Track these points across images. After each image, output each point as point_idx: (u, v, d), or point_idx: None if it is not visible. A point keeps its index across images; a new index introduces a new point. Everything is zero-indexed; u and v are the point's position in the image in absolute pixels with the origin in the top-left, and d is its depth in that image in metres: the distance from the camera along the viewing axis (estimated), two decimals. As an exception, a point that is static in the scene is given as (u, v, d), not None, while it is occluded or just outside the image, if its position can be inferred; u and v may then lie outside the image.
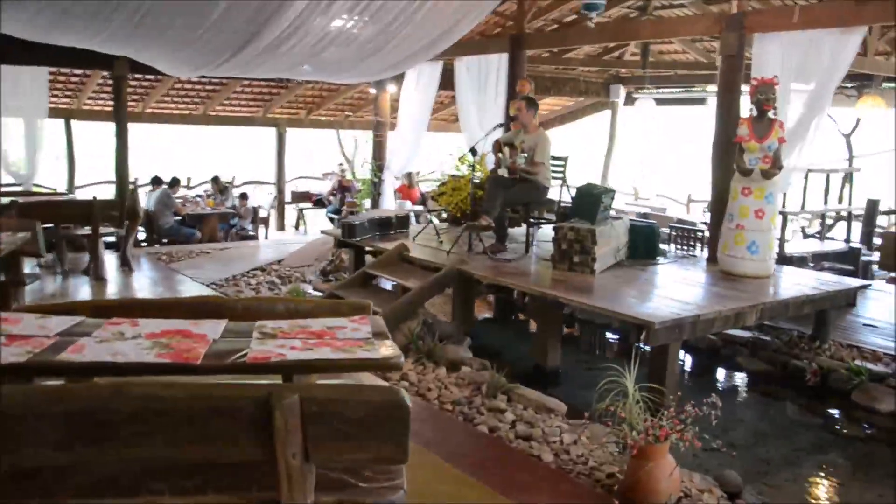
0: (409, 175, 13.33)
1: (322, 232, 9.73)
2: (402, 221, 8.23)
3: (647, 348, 5.25)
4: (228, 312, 3.47)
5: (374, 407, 2.34)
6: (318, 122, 15.37)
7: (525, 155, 6.87)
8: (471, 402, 4.91)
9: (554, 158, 7.36)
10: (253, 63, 8.51)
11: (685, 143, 17.37)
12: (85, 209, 8.15)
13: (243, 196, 12.22)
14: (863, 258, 7.97)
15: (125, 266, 8.71)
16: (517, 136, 7.24)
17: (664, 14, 10.10)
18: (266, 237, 12.61)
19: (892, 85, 9.81)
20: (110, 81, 10.82)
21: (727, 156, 7.01)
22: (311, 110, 14.74)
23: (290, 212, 15.11)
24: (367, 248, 8.04)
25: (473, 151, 7.09)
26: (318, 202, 14.93)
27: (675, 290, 5.93)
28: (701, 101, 13.81)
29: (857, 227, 8.74)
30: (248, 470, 2.49)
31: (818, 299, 6.01)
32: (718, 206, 7.09)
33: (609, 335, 7.68)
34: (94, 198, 8.20)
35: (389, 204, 11.87)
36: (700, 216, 11.75)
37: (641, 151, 14.32)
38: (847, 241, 8.47)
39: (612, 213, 6.87)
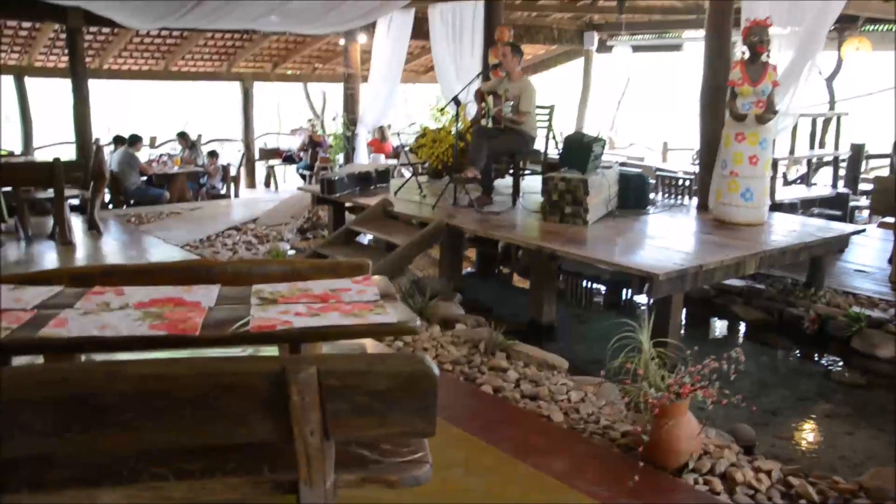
0: (381, 129, 12.98)
1: (298, 189, 9.42)
2: (383, 176, 7.95)
3: (648, 300, 5.11)
4: (219, 277, 3.22)
5: (400, 378, 2.13)
6: (285, 75, 14.89)
7: (511, 103, 6.61)
8: (470, 362, 4.73)
9: (539, 107, 7.11)
10: (216, 13, 8.08)
11: (660, 90, 17.19)
12: (46, 171, 7.72)
13: (212, 154, 11.79)
14: (850, 203, 7.91)
15: (93, 229, 8.33)
16: (501, 85, 6.96)
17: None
18: (237, 196, 12.22)
19: (877, 26, 9.67)
20: (63, 35, 10.27)
21: (717, 101, 6.83)
22: (277, 64, 14.24)
23: (260, 169, 14.70)
24: (347, 205, 7.77)
25: (457, 101, 6.80)
26: (288, 158, 14.52)
27: (672, 240, 5.77)
28: (677, 48, 13.59)
29: (837, 172, 8.65)
30: (260, 450, 2.27)
31: (815, 246, 5.90)
32: (708, 153, 6.92)
33: (596, 286, 7.55)
34: (56, 159, 7.77)
35: (363, 159, 11.54)
36: (679, 164, 11.64)
37: (616, 100, 14.10)
38: (834, 186, 8.40)
39: (602, 162, 6.66)
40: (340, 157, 11.88)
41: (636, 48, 12.56)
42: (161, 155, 11.78)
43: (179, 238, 8.27)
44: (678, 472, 3.33)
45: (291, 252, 7.92)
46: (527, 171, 7.42)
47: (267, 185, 14.61)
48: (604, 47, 13.87)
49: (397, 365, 2.16)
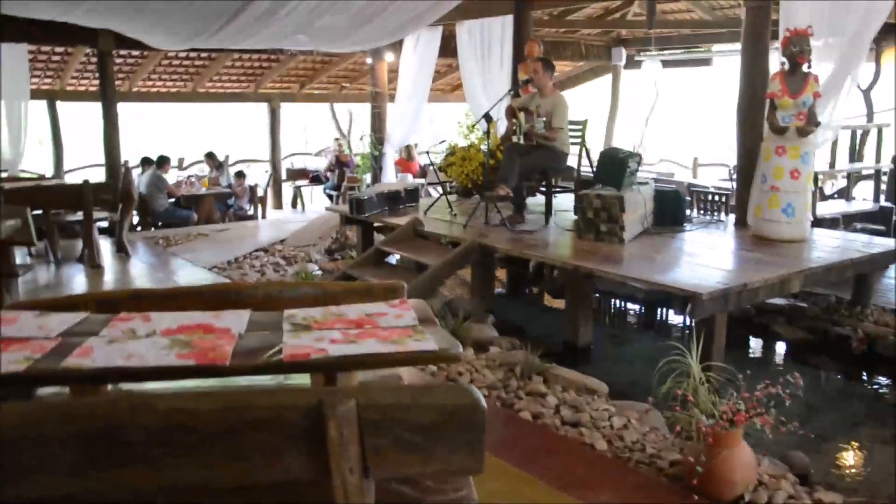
0: (407, 147, 12.93)
1: (327, 209, 9.33)
2: (412, 195, 7.83)
3: (691, 320, 4.91)
4: (249, 301, 3.10)
5: (446, 411, 1.98)
6: (312, 95, 14.88)
7: (543, 119, 6.46)
8: (507, 386, 4.57)
9: (571, 122, 6.96)
10: (245, 33, 8.04)
11: (689, 106, 16.96)
12: (76, 194, 7.73)
13: (240, 174, 11.76)
14: (893, 217, 7.64)
15: (121, 252, 8.30)
16: (532, 101, 6.83)
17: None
18: (264, 217, 12.18)
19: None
20: (94, 59, 10.33)
21: (754, 114, 6.64)
22: (304, 84, 14.25)
23: (287, 190, 14.67)
24: (376, 224, 7.66)
25: (488, 118, 6.67)
26: (315, 179, 14.50)
27: (712, 257, 5.58)
28: (706, 62, 13.38)
29: (879, 186, 8.38)
30: (294, 489, 2.13)
31: (860, 262, 5.67)
32: (746, 166, 6.71)
33: (630, 306, 7.35)
34: (86, 181, 7.76)
35: (391, 178, 11.46)
36: (710, 180, 11.40)
37: (645, 115, 13.90)
38: (876, 200, 8.13)
39: (638, 177, 6.49)
40: (368, 177, 11.80)
41: (666, 63, 12.39)
42: (189, 176, 11.79)
43: (207, 260, 8.21)
44: (733, 505, 3.14)
45: (318, 273, 7.82)
46: (558, 189, 7.26)
47: (294, 205, 14.58)
48: (632, 63, 13.71)
49: (443, 397, 2.01)
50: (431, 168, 14.09)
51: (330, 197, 13.74)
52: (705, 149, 14.46)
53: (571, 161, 7.04)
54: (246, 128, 17.74)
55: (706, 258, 5.53)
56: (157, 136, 17.34)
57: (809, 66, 5.98)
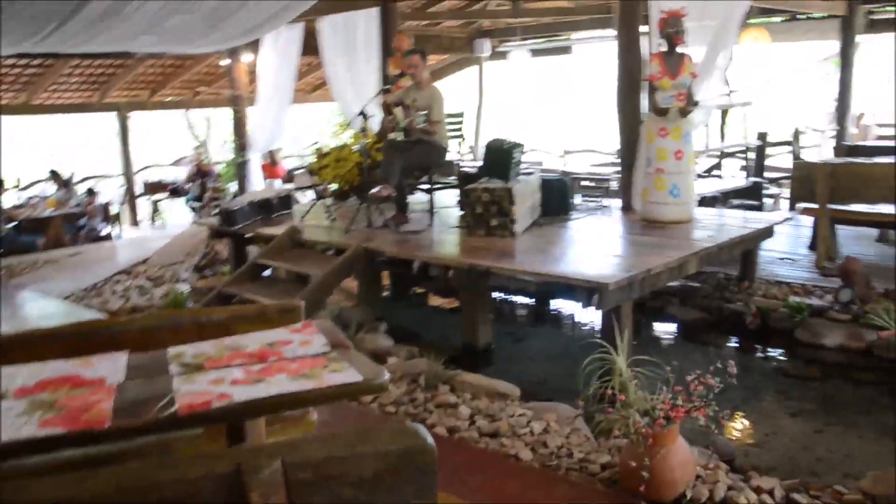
0: (271, 152, 12.33)
1: (193, 223, 8.66)
2: (285, 202, 7.35)
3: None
4: (122, 340, 2.63)
5: (391, 459, 1.65)
6: (164, 103, 13.95)
7: (424, 113, 6.17)
8: (413, 400, 4.25)
9: (448, 115, 6.73)
10: (83, 35, 7.27)
11: (552, 94, 17.21)
12: None
13: (90, 192, 10.79)
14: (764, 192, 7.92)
15: (-45, 287, 7.36)
16: (408, 95, 6.52)
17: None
18: (120, 236, 11.25)
19: (770, 18, 9.85)
20: None
21: (632, 98, 6.65)
22: (154, 90, 13.29)
23: (144, 205, 13.69)
24: (249, 236, 7.13)
25: (363, 115, 6.31)
26: (175, 191, 13.58)
27: (607, 245, 5.49)
28: (566, 51, 13.55)
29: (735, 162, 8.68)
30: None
31: (749, 238, 5.75)
32: (628, 151, 6.71)
33: (521, 300, 7.21)
34: None
35: (258, 185, 10.83)
36: (580, 167, 11.51)
37: (512, 106, 13.94)
38: (747, 176, 8.40)
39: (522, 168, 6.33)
40: (233, 186, 11.12)
41: (534, 52, 12.40)
42: (30, 197, 10.69)
43: (60, 289, 7.40)
44: (677, 506, 2.97)
45: (187, 291, 7.21)
46: (440, 185, 7.00)
47: (153, 221, 13.63)
48: (496, 54, 13.68)
49: (386, 442, 1.68)
50: (300, 172, 13.56)
51: (193, 209, 12.89)
52: (571, 136, 14.65)
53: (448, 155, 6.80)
54: (91, 141, 16.46)
55: (602, 246, 5.42)
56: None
57: (685, 47, 6.01)
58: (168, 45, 8.84)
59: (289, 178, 13.18)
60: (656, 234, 5.70)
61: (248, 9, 7.46)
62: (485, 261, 5.05)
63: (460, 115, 6.69)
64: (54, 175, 10.79)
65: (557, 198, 6.56)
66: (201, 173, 12.49)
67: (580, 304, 6.55)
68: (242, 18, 7.68)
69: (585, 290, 4.54)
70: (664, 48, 6.04)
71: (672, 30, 5.91)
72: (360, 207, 6.37)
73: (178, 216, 14.24)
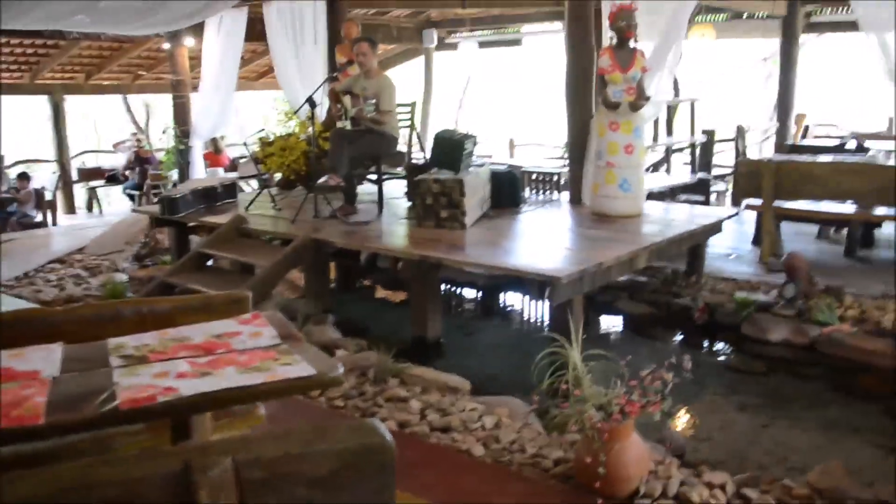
0: (213, 140, 12.06)
1: (133, 210, 8.37)
2: (229, 190, 7.15)
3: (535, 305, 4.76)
4: (58, 331, 2.50)
5: (347, 457, 1.58)
6: (101, 87, 13.46)
7: (373, 102, 6.07)
8: (363, 394, 4.17)
9: (398, 105, 6.62)
10: (14, 9, 6.94)
11: (501, 87, 17.21)
12: None
13: (23, 176, 10.36)
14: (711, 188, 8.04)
15: None
16: (357, 83, 6.40)
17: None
18: (55, 223, 10.83)
19: (716, 16, 10.00)
20: None
21: (583, 91, 6.66)
22: (91, 74, 12.80)
23: (79, 192, 13.23)
24: (192, 225, 6.92)
25: (311, 103, 6.16)
26: (112, 178, 13.15)
27: (558, 238, 5.48)
28: (516, 43, 13.55)
29: (696, 158, 8.79)
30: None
31: (697, 234, 5.81)
32: (578, 144, 6.73)
33: (469, 293, 7.17)
34: None
35: (200, 173, 10.56)
36: (527, 160, 11.52)
37: (459, 98, 13.88)
38: (693, 171, 8.52)
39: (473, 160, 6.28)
40: (174, 174, 10.82)
41: (481, 44, 12.37)
42: (-41, 182, 10.22)
43: (-11, 277, 7.08)
44: (630, 501, 2.95)
45: (126, 281, 6.96)
46: (388, 175, 6.90)
47: (89, 208, 13.17)
48: (443, 45, 13.61)
49: (342, 439, 1.60)
50: (244, 160, 13.28)
51: (131, 197, 12.51)
52: (518, 129, 14.68)
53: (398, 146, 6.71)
54: (23, 125, 15.81)
55: (553, 239, 5.41)
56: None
57: (636, 41, 6.03)
58: (103, 25, 8.54)
59: (233, 166, 12.90)
60: (606, 228, 5.72)
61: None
62: (435, 252, 4.98)
63: (411, 104, 6.59)
64: (-18, 160, 10.33)
65: (507, 190, 6.54)
66: (141, 160, 12.14)
67: (530, 297, 6.56)
68: (182, 1, 7.43)
69: (537, 284, 4.52)
70: (615, 42, 6.04)
71: (623, 23, 5.91)
72: (308, 197, 6.23)
73: (116, 204, 13.83)
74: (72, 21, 7.79)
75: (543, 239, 5.44)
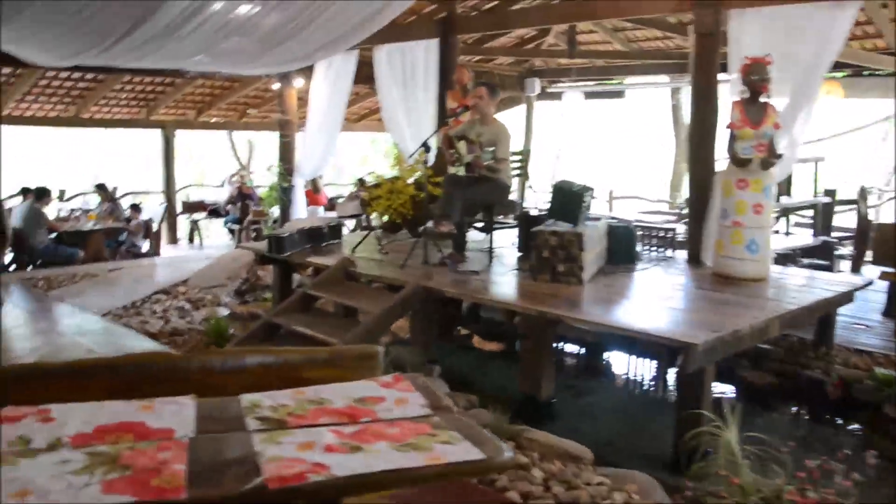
0: (313, 179, 12.24)
1: (239, 246, 8.42)
2: (335, 231, 7.08)
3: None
4: (182, 376, 2.34)
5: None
6: (209, 123, 13.89)
7: (492, 150, 5.88)
8: (478, 458, 3.89)
9: (513, 153, 6.44)
10: (141, 51, 7.13)
11: (600, 138, 16.93)
12: (-63, 230, 6.59)
13: (135, 208, 10.64)
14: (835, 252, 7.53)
15: (-8, 297, 7.15)
16: (472, 129, 6.25)
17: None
18: (157, 253, 11.06)
19: (844, 72, 9.52)
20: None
21: (706, 147, 6.34)
22: (201, 110, 13.24)
23: (182, 223, 13.57)
24: (297, 264, 6.86)
25: (426, 147, 6.04)
26: (214, 212, 13.47)
27: (682, 300, 5.14)
28: (619, 95, 13.28)
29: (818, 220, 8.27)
30: None
31: (833, 301, 5.36)
32: (699, 201, 6.37)
33: (575, 349, 6.84)
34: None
35: (301, 211, 10.63)
36: (627, 213, 11.17)
37: (559, 147, 13.66)
38: (816, 234, 8.01)
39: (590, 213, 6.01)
40: (275, 210, 10.92)
41: (587, 95, 12.16)
42: (73, 210, 10.55)
43: (98, 305, 7.18)
44: None
45: (224, 314, 6.94)
46: (502, 224, 6.69)
47: (191, 240, 13.50)
48: (547, 94, 13.47)
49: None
50: (341, 200, 13.37)
51: (231, 231, 12.76)
52: (617, 182, 14.35)
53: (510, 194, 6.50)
54: (132, 157, 16.40)
55: (676, 301, 5.08)
56: (27, 165, 15.68)
57: (769, 96, 5.69)
58: (221, 65, 8.73)
59: (330, 206, 13.03)
60: (733, 292, 5.33)
61: (307, 34, 7.26)
62: (555, 309, 4.71)
63: (524, 152, 6.39)
64: (101, 189, 10.66)
65: (623, 246, 6.22)
66: (243, 196, 12.37)
67: (656, 361, 6.17)
68: (299, 44, 7.51)
69: (669, 349, 4.17)
70: (746, 96, 5.71)
71: (756, 77, 5.59)
72: (417, 243, 6.06)
73: (215, 237, 14.11)
74: (194, 61, 7.98)
75: (666, 300, 5.10)
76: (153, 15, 6.10)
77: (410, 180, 7.31)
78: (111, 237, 9.99)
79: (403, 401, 2.12)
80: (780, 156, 5.71)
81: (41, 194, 9.20)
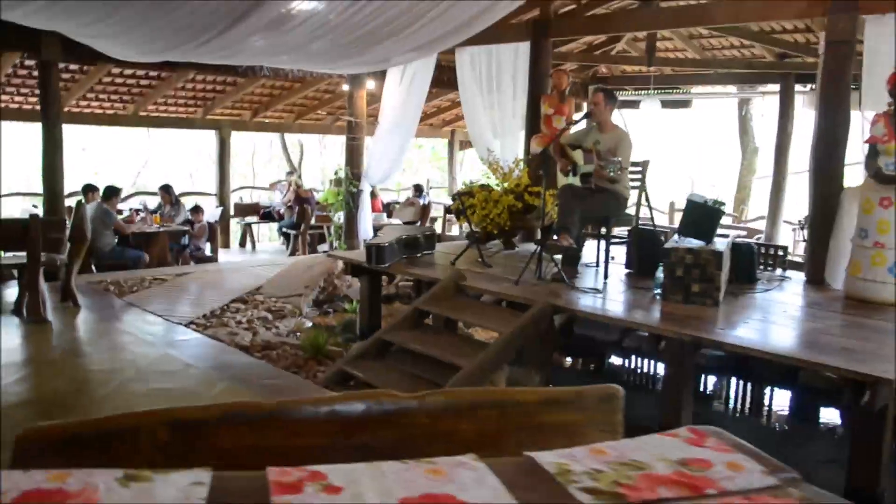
0: (417, 186, 12.42)
1: (326, 253, 8.10)
2: (430, 241, 6.75)
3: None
4: (408, 420, 2.02)
5: None
6: (263, 124, 13.62)
7: (617, 159, 5.53)
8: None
9: (631, 163, 6.11)
10: (232, 49, 6.86)
11: (664, 148, 16.54)
12: (18, 231, 6.33)
13: (197, 209, 10.37)
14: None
15: (68, 301, 6.88)
16: (588, 137, 5.93)
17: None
18: (217, 259, 10.79)
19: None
20: (21, 70, 8.98)
21: (833, 161, 5.99)
22: (257, 111, 12.96)
23: (234, 226, 13.32)
24: (386, 275, 6.55)
25: (545, 156, 5.70)
26: (267, 215, 13.19)
27: (833, 326, 4.74)
28: (686, 104, 12.91)
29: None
30: None
31: None
32: (822, 218, 6.01)
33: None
34: (34, 216, 6.37)
35: (368, 218, 10.33)
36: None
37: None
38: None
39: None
40: (340, 216, 10.63)
41: (664, 104, 11.78)
42: (137, 210, 10.28)
43: (176, 312, 6.90)
44: None
45: (309, 325, 6.62)
46: (616, 238, 6.34)
47: (242, 244, 13.24)
48: (622, 103, 13.10)
49: None
50: (398, 206, 13.07)
51: (286, 236, 12.48)
52: (678, 193, 13.96)
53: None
54: (185, 157, 16.17)
55: (828, 327, 4.69)
56: (84, 163, 15.49)
57: (909, 110, 5.32)
58: (300, 63, 8.44)
59: (388, 211, 12.76)
60: (883, 318, 4.95)
61: (405, 35, 6.94)
62: (710, 335, 4.36)
63: (643, 163, 6.03)
64: (165, 191, 10.38)
65: (745, 265, 5.87)
66: (301, 200, 12.06)
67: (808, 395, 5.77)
68: (395, 44, 7.19)
69: (853, 384, 3.80)
70: (893, 109, 5.34)
71: (907, 89, 5.22)
72: (532, 256, 5.72)
73: (266, 242, 13.86)
74: (276, 58, 7.70)
75: (813, 323, 4.76)
76: (255, 11, 5.81)
77: (501, 188, 7.01)
78: (174, 240, 9.71)
79: (736, 465, 1.76)
80: (928, 173, 5.33)
81: (110, 193, 8.93)
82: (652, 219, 6.25)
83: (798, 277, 6.32)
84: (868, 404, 3.75)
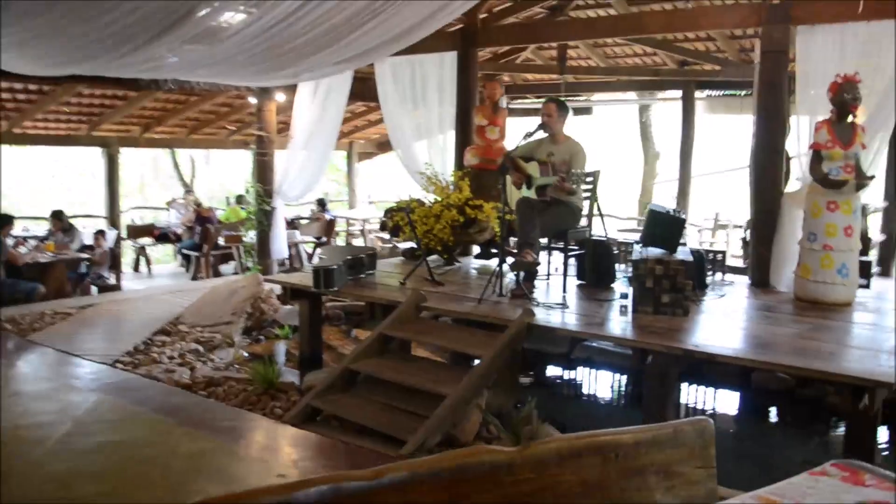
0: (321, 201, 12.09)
1: (266, 280, 7.55)
2: (371, 260, 6.44)
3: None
4: (510, 477, 1.81)
5: None
6: (155, 140, 12.80)
7: (578, 171, 5.44)
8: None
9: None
10: (147, 64, 6.33)
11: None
12: None
13: (100, 234, 9.54)
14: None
15: (-35, 345, 6.11)
16: (541, 148, 5.83)
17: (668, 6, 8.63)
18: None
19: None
20: None
21: (773, 167, 6.17)
22: (148, 126, 12.14)
23: (126, 249, 12.42)
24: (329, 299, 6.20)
25: (502, 170, 5.53)
26: (162, 236, 12.40)
27: (803, 329, 4.82)
28: (587, 112, 13.14)
29: None
30: None
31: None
32: (765, 223, 6.17)
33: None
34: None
35: (282, 237, 9.86)
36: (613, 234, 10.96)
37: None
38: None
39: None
40: (251, 235, 10.09)
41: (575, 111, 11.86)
42: (25, 238, 9.34)
43: (95, 350, 6.27)
44: None
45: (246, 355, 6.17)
46: (575, 251, 6.23)
47: (136, 268, 12.37)
48: (520, 111, 13.17)
49: None
50: (305, 222, 12.59)
51: (186, 257, 11.75)
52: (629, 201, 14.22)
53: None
54: (65, 176, 14.95)
55: (801, 331, 4.76)
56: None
57: (855, 116, 5.53)
58: (219, 77, 7.92)
59: (292, 226, 12.28)
60: (841, 318, 5.11)
61: (340, 46, 6.62)
62: (697, 346, 4.32)
63: (594, 173, 5.97)
64: (57, 215, 9.49)
65: (697, 273, 5.91)
66: (202, 219, 11.40)
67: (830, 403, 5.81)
68: (328, 55, 6.85)
69: (851, 389, 3.84)
70: (834, 116, 5.54)
71: (848, 96, 5.42)
72: (493, 273, 5.54)
73: (164, 265, 13.04)
74: (196, 73, 7.19)
75: (787, 327, 4.82)
76: (185, 21, 5.35)
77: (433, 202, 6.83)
78: (72, 268, 8.88)
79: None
80: (872, 177, 5.56)
81: (3, 222, 8.06)
82: (605, 229, 6.19)
83: (740, 281, 6.48)
84: (867, 407, 3.80)
